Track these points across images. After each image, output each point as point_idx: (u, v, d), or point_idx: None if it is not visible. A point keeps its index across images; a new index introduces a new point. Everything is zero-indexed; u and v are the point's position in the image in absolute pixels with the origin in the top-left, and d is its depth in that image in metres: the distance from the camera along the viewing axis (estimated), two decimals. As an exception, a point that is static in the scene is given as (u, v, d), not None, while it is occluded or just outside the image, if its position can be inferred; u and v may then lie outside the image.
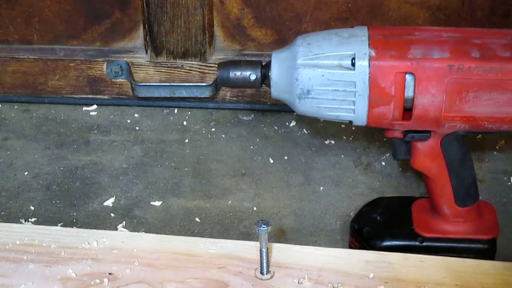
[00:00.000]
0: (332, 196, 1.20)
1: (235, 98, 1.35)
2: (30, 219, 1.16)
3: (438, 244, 1.03)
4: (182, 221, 1.16)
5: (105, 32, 1.33)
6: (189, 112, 1.35)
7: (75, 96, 1.37)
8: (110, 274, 0.89)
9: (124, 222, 1.16)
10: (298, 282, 0.88)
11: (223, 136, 1.31)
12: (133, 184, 1.22)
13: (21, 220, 1.16)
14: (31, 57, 1.34)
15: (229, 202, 1.19)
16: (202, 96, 1.30)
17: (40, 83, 1.36)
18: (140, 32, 1.32)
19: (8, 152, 1.28)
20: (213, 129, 1.32)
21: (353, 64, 0.92)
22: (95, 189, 1.22)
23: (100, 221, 1.16)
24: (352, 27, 0.96)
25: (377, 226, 1.06)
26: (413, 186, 1.21)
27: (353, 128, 1.29)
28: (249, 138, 1.30)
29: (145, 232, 1.13)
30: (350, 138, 1.29)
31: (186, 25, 1.29)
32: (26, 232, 0.95)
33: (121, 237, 0.94)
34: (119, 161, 1.26)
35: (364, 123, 0.95)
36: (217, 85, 1.23)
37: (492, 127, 0.94)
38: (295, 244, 0.94)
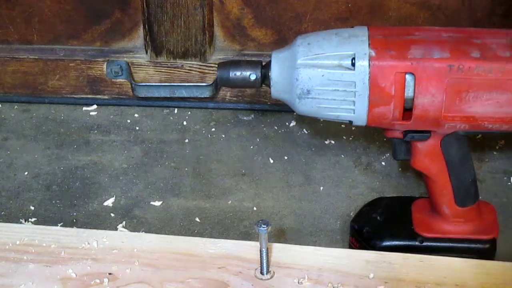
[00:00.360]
0: (332, 196, 1.20)
1: (235, 98, 1.35)
2: (30, 219, 1.16)
3: (438, 244, 1.03)
4: (182, 221, 1.16)
5: (105, 32, 1.33)
6: (189, 112, 1.35)
7: (75, 96, 1.37)
8: (110, 274, 0.89)
9: (124, 222, 1.16)
10: (298, 282, 0.88)
11: (223, 136, 1.31)
12: (133, 184, 1.22)
13: (21, 220, 1.16)
14: (31, 57, 1.34)
15: (229, 202, 1.19)
16: (202, 96, 1.30)
17: (40, 83, 1.36)
18: (140, 32, 1.32)
19: (8, 152, 1.28)
20: (213, 129, 1.32)
21: (353, 64, 0.92)
22: (95, 189, 1.22)
23: (100, 221, 1.16)
24: (352, 27, 0.96)
25: (377, 226, 1.06)
26: (413, 186, 1.21)
27: (353, 128, 1.29)
28: (249, 138, 1.30)
29: (145, 232, 1.13)
30: (350, 138, 1.29)
31: (186, 25, 1.29)
32: (26, 232, 0.95)
33: (121, 237, 0.94)
34: (119, 161, 1.26)
35: (364, 123, 0.95)
36: (217, 85, 1.22)
37: (492, 127, 0.94)
38: (295, 244, 0.94)
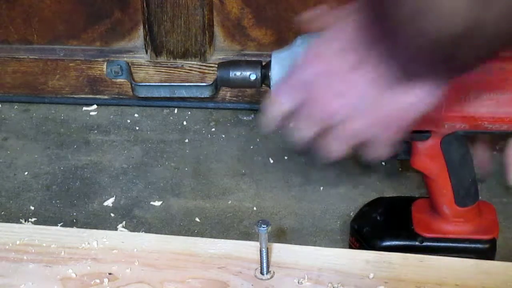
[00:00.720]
0: (332, 196, 1.20)
1: (235, 98, 1.35)
2: (30, 219, 1.16)
3: (438, 244, 1.03)
4: (182, 221, 1.16)
5: (105, 32, 1.33)
6: (189, 112, 1.35)
7: (75, 96, 1.37)
8: (110, 274, 0.89)
9: (124, 222, 1.16)
10: (298, 282, 0.88)
11: (223, 136, 1.31)
12: (133, 184, 1.22)
13: (21, 220, 1.16)
14: (31, 57, 1.34)
15: (229, 202, 1.19)
16: (202, 96, 1.30)
17: (40, 83, 1.36)
18: (140, 32, 1.33)
19: (8, 152, 1.28)
20: (213, 129, 1.32)
21: (353, 64, 0.92)
22: (95, 189, 1.22)
23: (100, 221, 1.16)
24: (352, 27, 0.96)
25: (377, 226, 1.06)
26: (413, 186, 1.21)
27: (353, 128, 1.28)
28: (249, 138, 1.30)
29: (145, 232, 1.13)
30: (350, 138, 1.29)
31: (186, 25, 1.29)
32: (26, 232, 0.95)
33: (121, 237, 0.94)
34: (119, 161, 1.26)
35: None
36: (217, 85, 1.22)
37: (492, 127, 0.94)
38: (295, 244, 0.94)
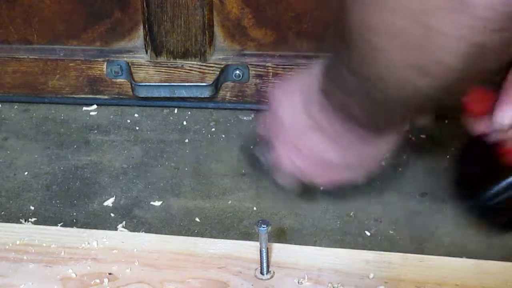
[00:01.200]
0: (332, 196, 1.20)
1: (235, 98, 1.35)
2: (30, 219, 1.16)
3: None
4: (182, 221, 1.16)
5: (105, 32, 1.33)
6: (189, 112, 1.35)
7: (75, 96, 1.37)
8: (110, 274, 0.90)
9: (124, 222, 1.16)
10: (298, 282, 0.88)
11: (223, 136, 1.31)
12: (133, 184, 1.22)
13: (21, 220, 1.16)
14: (31, 57, 1.34)
15: (229, 202, 1.19)
16: (202, 96, 1.31)
17: (40, 83, 1.36)
18: (140, 32, 1.33)
19: (8, 152, 1.28)
20: (213, 129, 1.32)
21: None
22: (95, 189, 1.21)
23: (100, 221, 1.16)
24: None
25: (476, 175, 1.02)
26: (414, 186, 1.20)
27: (353, 128, 1.28)
28: (249, 138, 1.30)
29: (145, 232, 1.13)
30: (350, 138, 1.29)
31: (186, 25, 1.29)
32: (26, 232, 0.95)
33: (121, 237, 0.94)
34: (119, 161, 1.26)
35: None
36: (217, 85, 1.22)
37: None
38: (295, 244, 0.94)
